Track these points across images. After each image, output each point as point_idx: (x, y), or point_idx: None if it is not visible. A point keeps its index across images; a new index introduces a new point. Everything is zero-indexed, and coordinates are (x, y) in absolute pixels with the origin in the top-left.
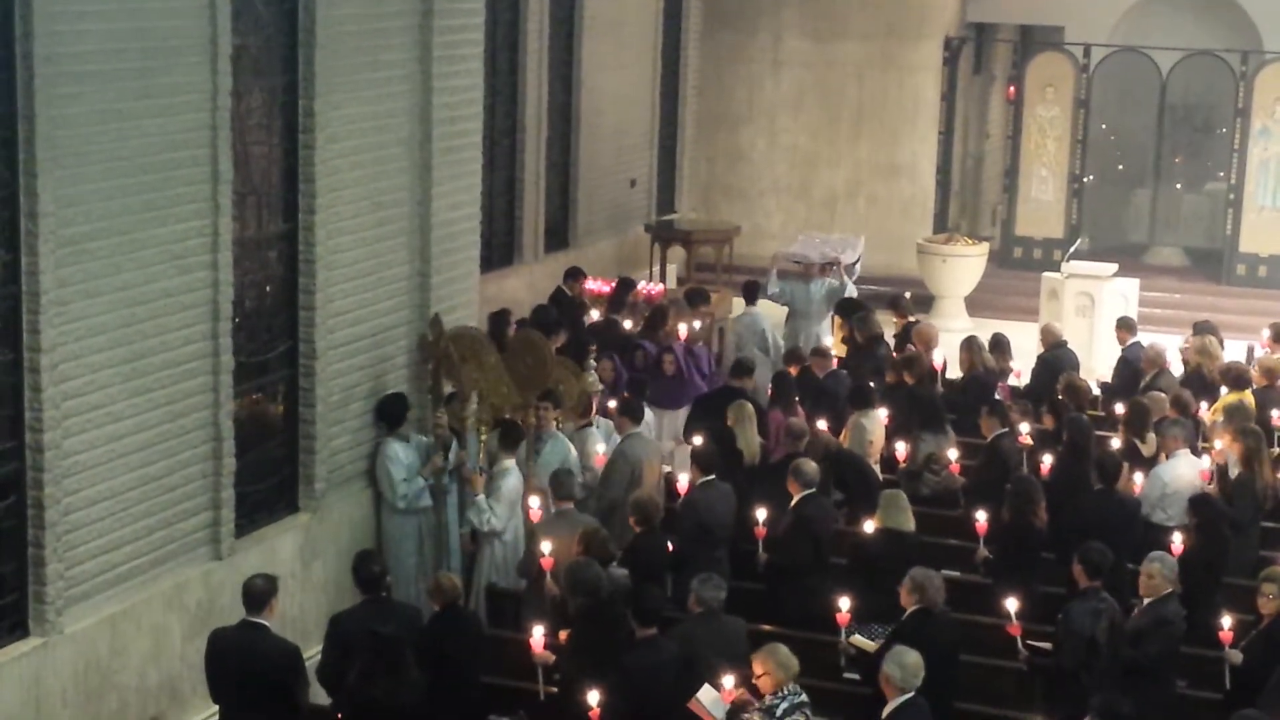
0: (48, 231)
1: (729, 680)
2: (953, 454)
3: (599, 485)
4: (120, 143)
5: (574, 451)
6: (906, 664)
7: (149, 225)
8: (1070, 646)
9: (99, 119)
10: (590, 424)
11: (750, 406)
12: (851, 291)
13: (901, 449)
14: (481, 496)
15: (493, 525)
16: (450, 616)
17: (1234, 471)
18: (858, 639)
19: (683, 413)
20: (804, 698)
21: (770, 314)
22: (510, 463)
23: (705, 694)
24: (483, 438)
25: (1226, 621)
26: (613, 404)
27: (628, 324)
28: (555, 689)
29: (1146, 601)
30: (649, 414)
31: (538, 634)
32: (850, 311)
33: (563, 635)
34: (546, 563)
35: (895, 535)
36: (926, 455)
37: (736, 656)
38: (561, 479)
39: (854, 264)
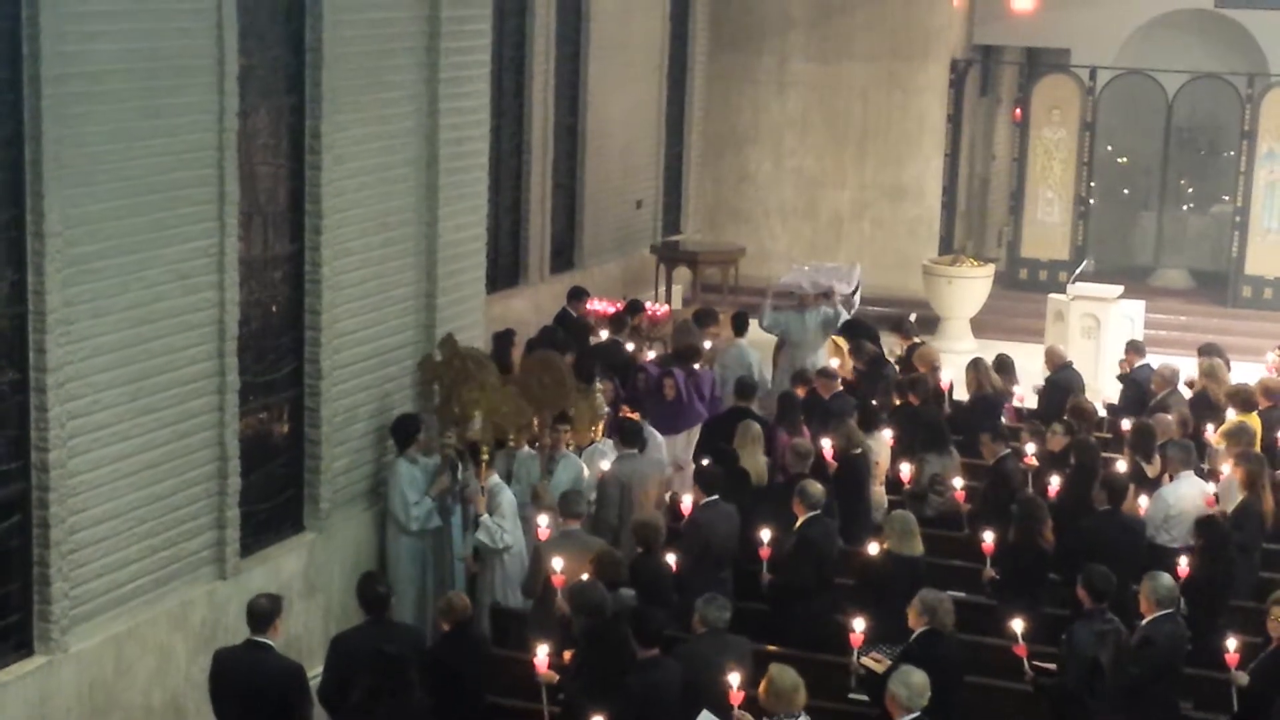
0: (54, 251)
1: (735, 678)
2: (958, 482)
3: (595, 505)
4: (127, 162)
5: (587, 471)
6: (912, 684)
7: (155, 245)
8: (1073, 668)
9: (106, 139)
10: (594, 443)
11: (757, 427)
12: (842, 317)
13: (906, 470)
14: (486, 516)
15: (506, 542)
16: (460, 636)
17: (1236, 496)
18: (867, 660)
19: (681, 438)
20: None
21: (756, 346)
22: (496, 478)
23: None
24: (484, 458)
25: (1232, 644)
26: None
27: (629, 346)
28: (559, 709)
29: (1141, 622)
30: (659, 436)
31: (541, 654)
32: (850, 336)
33: (567, 655)
34: (558, 580)
35: (902, 558)
36: (931, 476)
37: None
38: (569, 498)
39: (853, 293)
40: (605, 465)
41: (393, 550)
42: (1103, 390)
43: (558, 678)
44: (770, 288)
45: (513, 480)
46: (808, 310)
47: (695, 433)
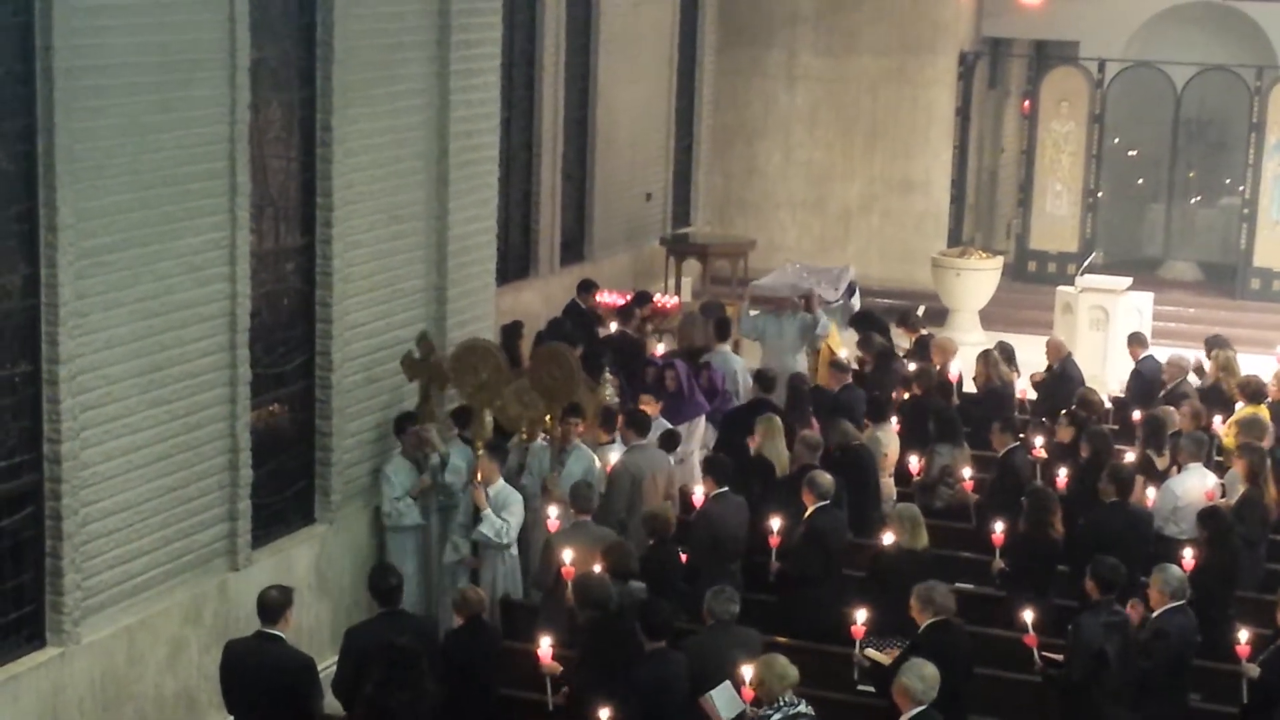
0: (67, 244)
1: (748, 672)
2: (966, 472)
3: (603, 498)
4: (139, 156)
5: (598, 463)
6: (926, 676)
7: (167, 237)
8: (1080, 659)
9: (118, 132)
10: (613, 440)
11: (779, 420)
12: (824, 328)
13: (915, 462)
14: (489, 511)
15: (511, 537)
16: (473, 629)
17: (1238, 488)
18: (871, 652)
19: (682, 428)
20: (802, 708)
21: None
22: (501, 481)
23: (719, 692)
24: (479, 453)
25: (1243, 635)
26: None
27: (634, 335)
28: (564, 701)
29: (1152, 614)
30: (679, 428)
31: (545, 645)
32: (859, 328)
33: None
34: (567, 573)
35: (909, 550)
36: (941, 468)
37: None
38: (581, 491)
39: (850, 296)
40: (614, 458)
41: (389, 545)
42: (1109, 383)
43: (561, 669)
44: (750, 290)
45: (525, 472)
46: (785, 315)
47: (696, 424)
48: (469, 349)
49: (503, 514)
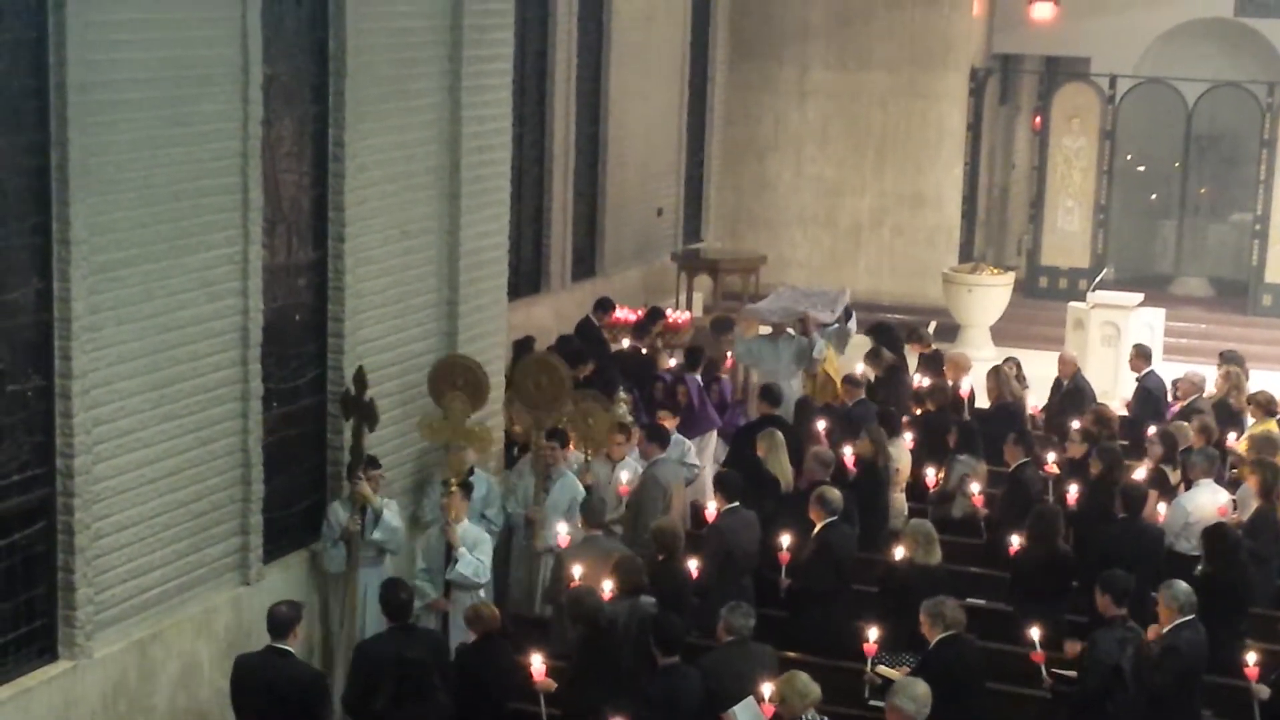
0: (80, 258)
1: (767, 689)
2: (975, 487)
3: (630, 511)
4: (152, 170)
5: (581, 490)
6: (918, 696)
7: (180, 252)
8: (1095, 675)
9: (131, 147)
10: (625, 457)
11: (780, 435)
12: (820, 351)
13: (930, 475)
14: (464, 550)
15: (489, 575)
16: (487, 646)
17: (1251, 504)
18: (883, 669)
19: (694, 443)
20: None
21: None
22: (467, 521)
23: (742, 709)
24: (453, 488)
25: (1252, 657)
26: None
27: (644, 351)
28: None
29: (1163, 630)
30: (689, 441)
31: (538, 662)
32: (875, 342)
33: None
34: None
35: (922, 566)
36: (961, 476)
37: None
38: (593, 505)
39: (847, 320)
40: (624, 475)
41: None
42: (1120, 399)
43: (555, 685)
44: (744, 313)
45: (510, 497)
46: (780, 339)
47: (707, 440)
48: (449, 365)
49: (475, 552)
